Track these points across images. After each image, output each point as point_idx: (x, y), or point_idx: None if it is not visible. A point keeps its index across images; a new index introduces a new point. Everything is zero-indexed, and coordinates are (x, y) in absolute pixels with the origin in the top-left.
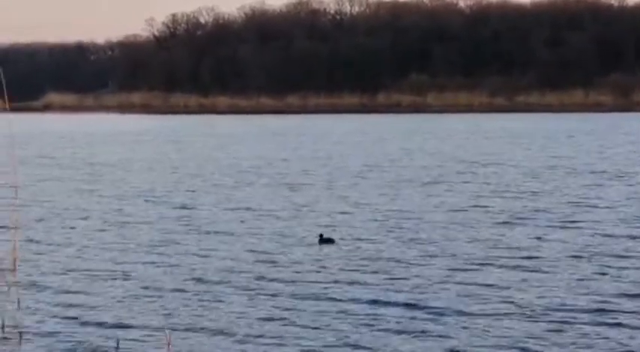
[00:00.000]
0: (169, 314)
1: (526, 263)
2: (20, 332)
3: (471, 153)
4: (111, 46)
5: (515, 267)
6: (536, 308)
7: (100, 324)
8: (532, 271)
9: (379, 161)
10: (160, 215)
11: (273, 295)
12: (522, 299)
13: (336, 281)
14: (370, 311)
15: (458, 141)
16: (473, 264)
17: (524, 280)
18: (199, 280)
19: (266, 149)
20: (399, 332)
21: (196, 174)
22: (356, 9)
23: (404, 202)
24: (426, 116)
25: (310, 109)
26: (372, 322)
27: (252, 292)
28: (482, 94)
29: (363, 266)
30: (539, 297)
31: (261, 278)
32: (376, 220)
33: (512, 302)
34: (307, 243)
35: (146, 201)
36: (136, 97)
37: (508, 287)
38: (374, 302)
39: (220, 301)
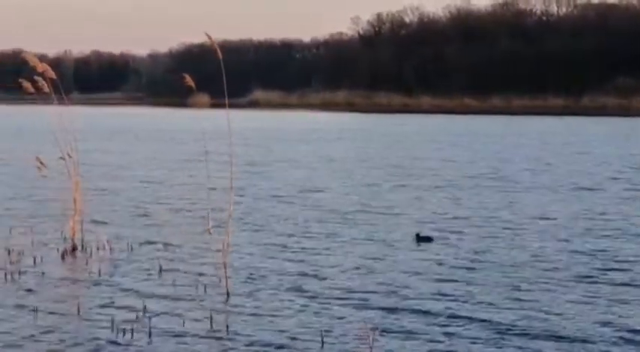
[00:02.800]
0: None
1: None
2: (227, 330)
3: None
4: (316, 44)
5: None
6: None
7: (290, 325)
8: None
9: (554, 164)
10: (294, 213)
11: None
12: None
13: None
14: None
15: None
16: (586, 276)
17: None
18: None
19: (449, 149)
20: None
21: (354, 174)
22: (563, 9)
23: (546, 207)
24: (631, 120)
25: (514, 110)
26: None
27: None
28: None
29: (460, 267)
30: None
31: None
32: (509, 223)
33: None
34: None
35: (279, 199)
36: (340, 95)
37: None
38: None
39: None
